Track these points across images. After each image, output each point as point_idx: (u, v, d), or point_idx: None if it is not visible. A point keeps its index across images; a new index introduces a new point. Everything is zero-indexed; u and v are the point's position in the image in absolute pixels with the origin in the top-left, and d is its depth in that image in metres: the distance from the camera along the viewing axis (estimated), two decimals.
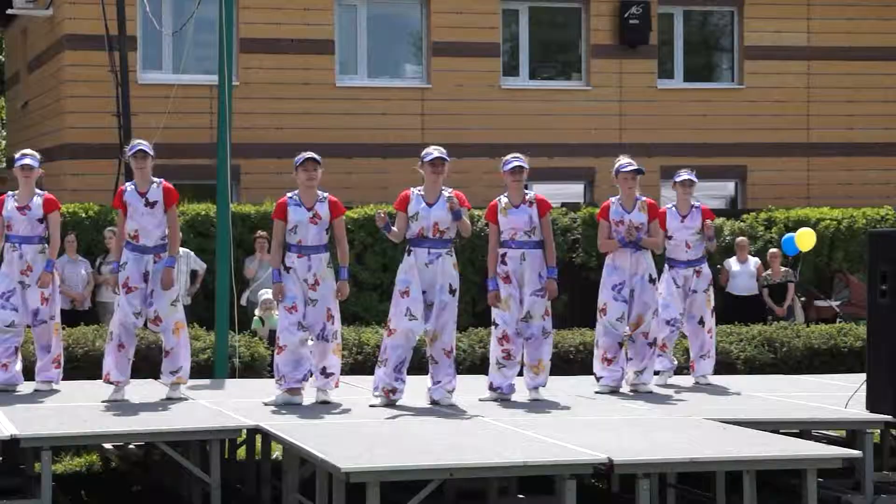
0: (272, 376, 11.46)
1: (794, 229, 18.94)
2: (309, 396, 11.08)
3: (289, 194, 11.00)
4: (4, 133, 34.62)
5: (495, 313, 11.46)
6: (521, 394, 11.53)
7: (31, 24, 24.89)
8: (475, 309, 18.07)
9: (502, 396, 11.38)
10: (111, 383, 11.15)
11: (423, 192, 10.99)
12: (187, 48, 18.98)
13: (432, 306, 10.91)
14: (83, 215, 17.48)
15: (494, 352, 11.48)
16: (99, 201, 18.29)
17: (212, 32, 17.14)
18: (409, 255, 10.96)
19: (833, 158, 23.78)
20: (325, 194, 11.02)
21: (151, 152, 11.26)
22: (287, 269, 10.91)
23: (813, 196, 23.37)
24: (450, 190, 10.99)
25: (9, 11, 23.99)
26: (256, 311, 15.63)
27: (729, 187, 23.92)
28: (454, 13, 22.51)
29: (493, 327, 11.52)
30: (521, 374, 11.58)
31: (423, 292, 10.87)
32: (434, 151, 11.01)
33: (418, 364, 12.39)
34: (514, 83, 23.06)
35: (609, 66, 23.15)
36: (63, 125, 21.62)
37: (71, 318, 15.68)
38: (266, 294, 15.65)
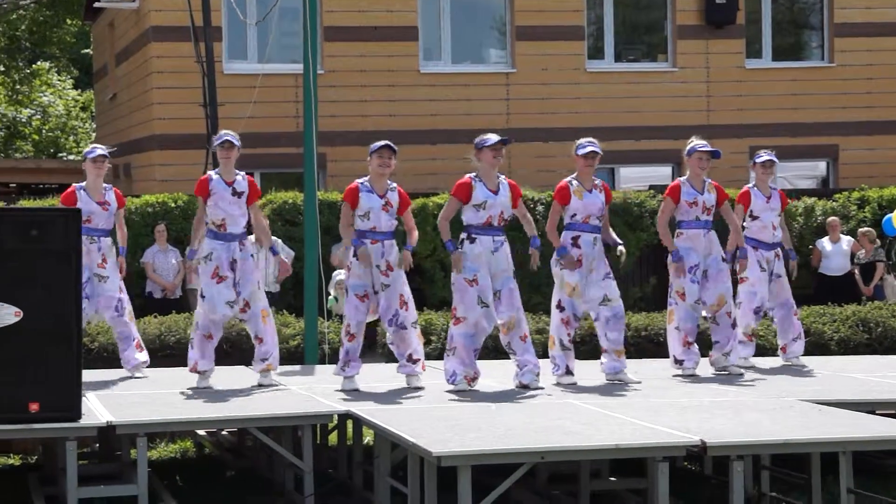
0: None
1: (889, 208, 18.66)
2: (398, 381, 11.12)
3: (359, 180, 10.91)
4: (94, 125, 35.07)
5: (563, 298, 11.31)
6: (599, 378, 11.46)
7: (117, 17, 25.19)
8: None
9: (569, 378, 11.33)
10: (198, 373, 11.22)
11: (483, 179, 10.83)
12: (272, 37, 19.10)
13: (500, 294, 10.84)
14: (172, 205, 17.66)
15: (559, 335, 11.33)
16: (187, 191, 18.42)
17: (296, 21, 17.25)
18: (472, 242, 10.77)
19: None
20: (394, 185, 10.99)
21: (238, 143, 11.29)
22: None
23: None
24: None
25: (96, 5, 24.33)
26: (331, 290, 15.69)
27: (820, 167, 23.63)
28: None
29: (557, 311, 11.35)
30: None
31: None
32: (493, 136, 10.92)
33: (502, 349, 12.29)
34: (600, 66, 22.94)
35: (695, 47, 22.95)
36: (150, 116, 21.85)
37: (162, 306, 15.88)
38: (340, 275, 15.72)
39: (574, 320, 11.37)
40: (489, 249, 10.77)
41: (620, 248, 11.39)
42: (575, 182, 11.34)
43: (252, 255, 11.33)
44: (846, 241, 17.85)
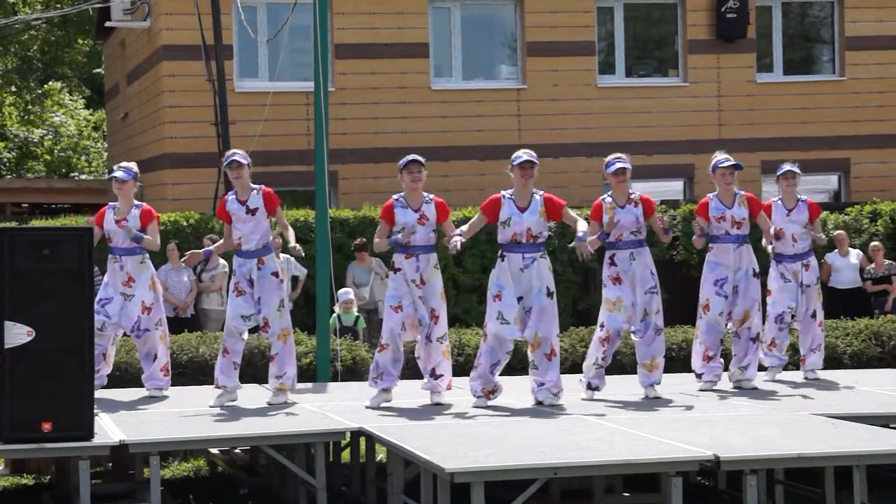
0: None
1: None
2: (422, 398, 11.11)
3: (395, 196, 11.05)
4: (106, 145, 35.17)
5: (603, 314, 11.39)
6: (635, 392, 11.46)
7: (129, 36, 25.25)
8: (575, 308, 18.02)
9: (591, 394, 11.38)
10: (218, 388, 11.26)
11: (513, 197, 10.89)
12: (282, 55, 19.12)
13: (531, 311, 10.84)
14: (184, 224, 17.66)
15: (595, 352, 11.42)
16: (199, 210, 18.47)
17: (306, 39, 17.27)
18: (501, 260, 10.85)
19: None
20: (431, 196, 11.05)
21: (245, 161, 11.29)
22: (395, 270, 10.95)
23: None
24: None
25: (107, 24, 24.38)
26: (336, 308, 15.47)
27: (832, 181, 23.58)
28: (548, 12, 22.43)
29: (598, 328, 11.46)
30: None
31: (520, 298, 10.81)
32: (523, 154, 10.92)
33: (520, 365, 12.36)
34: (611, 81, 22.92)
35: (706, 62, 22.94)
36: (162, 135, 21.89)
37: (174, 325, 15.86)
38: (350, 294, 15.62)
39: (615, 338, 11.38)
40: (517, 267, 10.80)
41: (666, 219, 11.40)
42: (608, 199, 11.42)
43: (275, 275, 11.33)
44: (855, 255, 17.85)
